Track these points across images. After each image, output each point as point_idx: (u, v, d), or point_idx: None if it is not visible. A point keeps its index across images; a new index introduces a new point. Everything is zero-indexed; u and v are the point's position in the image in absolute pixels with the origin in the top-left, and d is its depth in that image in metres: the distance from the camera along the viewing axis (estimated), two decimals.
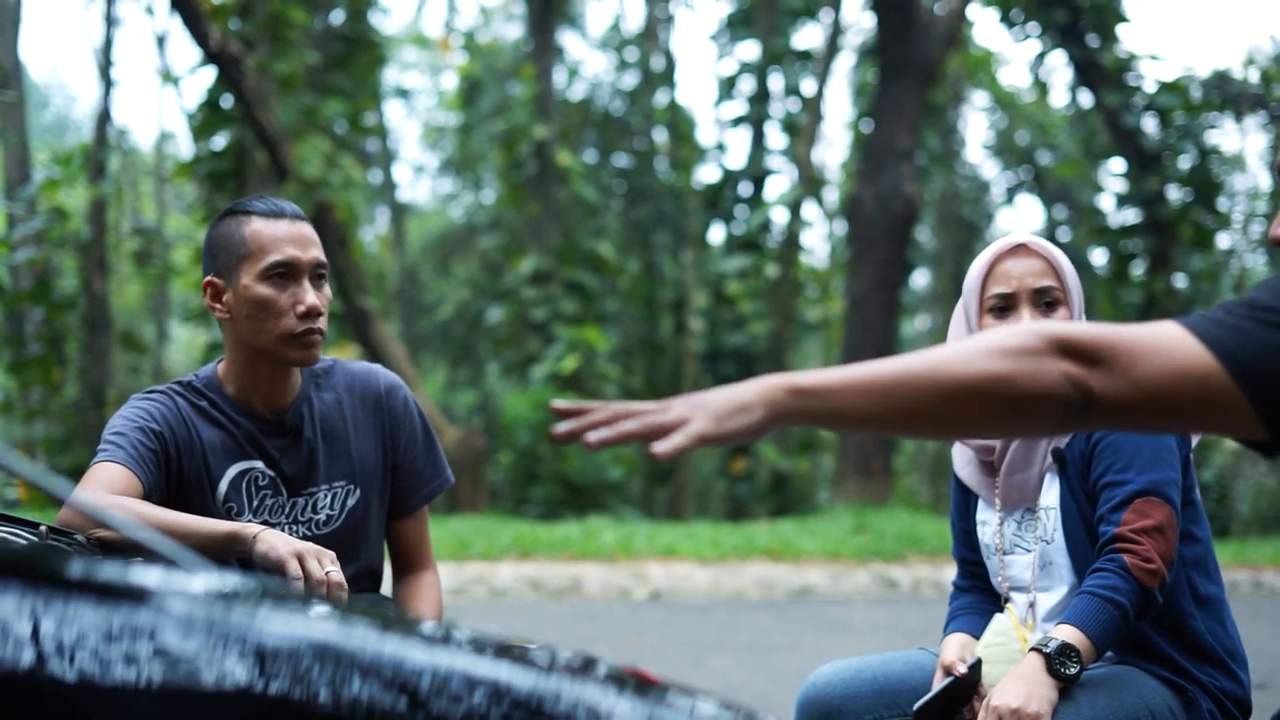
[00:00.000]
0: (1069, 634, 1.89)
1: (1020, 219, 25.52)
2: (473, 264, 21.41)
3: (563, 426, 1.18)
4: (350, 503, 2.19)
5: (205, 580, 0.80)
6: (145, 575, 0.79)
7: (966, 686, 2.01)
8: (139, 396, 2.12)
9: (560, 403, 1.19)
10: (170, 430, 2.07)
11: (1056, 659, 1.87)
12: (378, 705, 0.77)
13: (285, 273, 2.05)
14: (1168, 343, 1.14)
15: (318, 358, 2.10)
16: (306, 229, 2.09)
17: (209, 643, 0.76)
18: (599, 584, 7.81)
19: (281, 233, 2.06)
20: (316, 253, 2.08)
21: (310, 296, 2.05)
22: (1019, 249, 2.08)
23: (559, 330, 15.68)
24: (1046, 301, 2.05)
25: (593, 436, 1.16)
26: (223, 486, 2.10)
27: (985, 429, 1.26)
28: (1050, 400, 1.15)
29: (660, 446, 1.15)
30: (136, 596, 0.76)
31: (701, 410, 1.18)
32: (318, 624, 0.79)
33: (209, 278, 2.10)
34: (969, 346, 1.19)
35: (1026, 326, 1.18)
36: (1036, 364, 1.15)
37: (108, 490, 1.90)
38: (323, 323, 2.07)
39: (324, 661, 0.78)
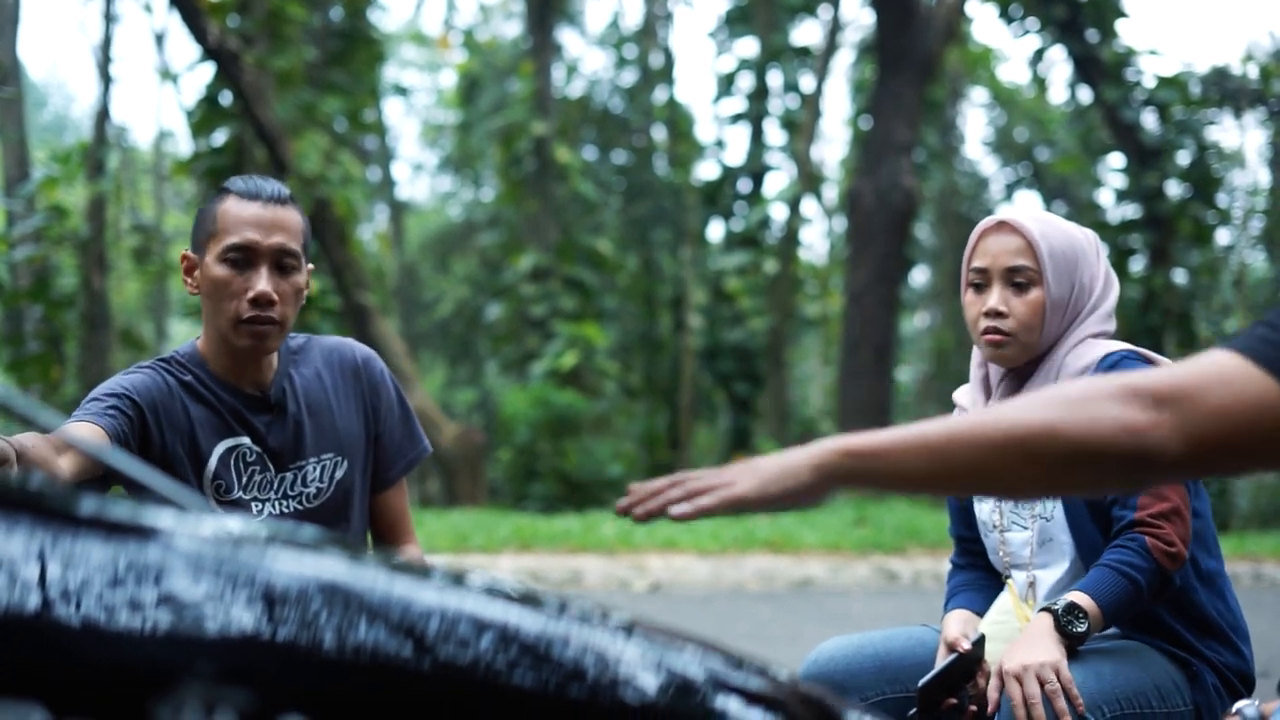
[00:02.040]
0: (1078, 597, 1.90)
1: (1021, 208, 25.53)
2: (472, 261, 21.42)
3: (640, 509, 1.20)
4: (339, 474, 2.19)
5: (212, 521, 0.80)
6: (153, 515, 0.79)
7: (970, 663, 2.01)
8: (123, 372, 2.11)
9: (626, 502, 1.21)
10: (152, 402, 2.04)
11: (1064, 617, 1.87)
12: (384, 648, 0.77)
13: (242, 256, 2.00)
14: (1226, 373, 1.05)
15: (270, 348, 2.06)
16: (281, 213, 2.03)
17: (217, 583, 0.76)
18: (599, 576, 7.82)
19: (248, 215, 2.01)
20: (282, 239, 2.02)
21: (261, 283, 1.99)
22: (1001, 226, 2.09)
23: (558, 327, 15.68)
24: (1017, 281, 2.05)
25: (675, 510, 1.18)
26: (212, 463, 2.09)
27: (1043, 486, 1.19)
28: (1107, 450, 1.07)
29: (680, 509, 1.17)
30: (144, 535, 0.76)
31: (749, 474, 1.19)
32: (327, 565, 0.79)
33: (185, 251, 2.10)
34: (1028, 399, 1.14)
35: (1087, 379, 1.13)
36: (1088, 409, 1.08)
37: (59, 436, 1.85)
38: (279, 311, 2.02)
39: (332, 603, 0.77)
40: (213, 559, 0.76)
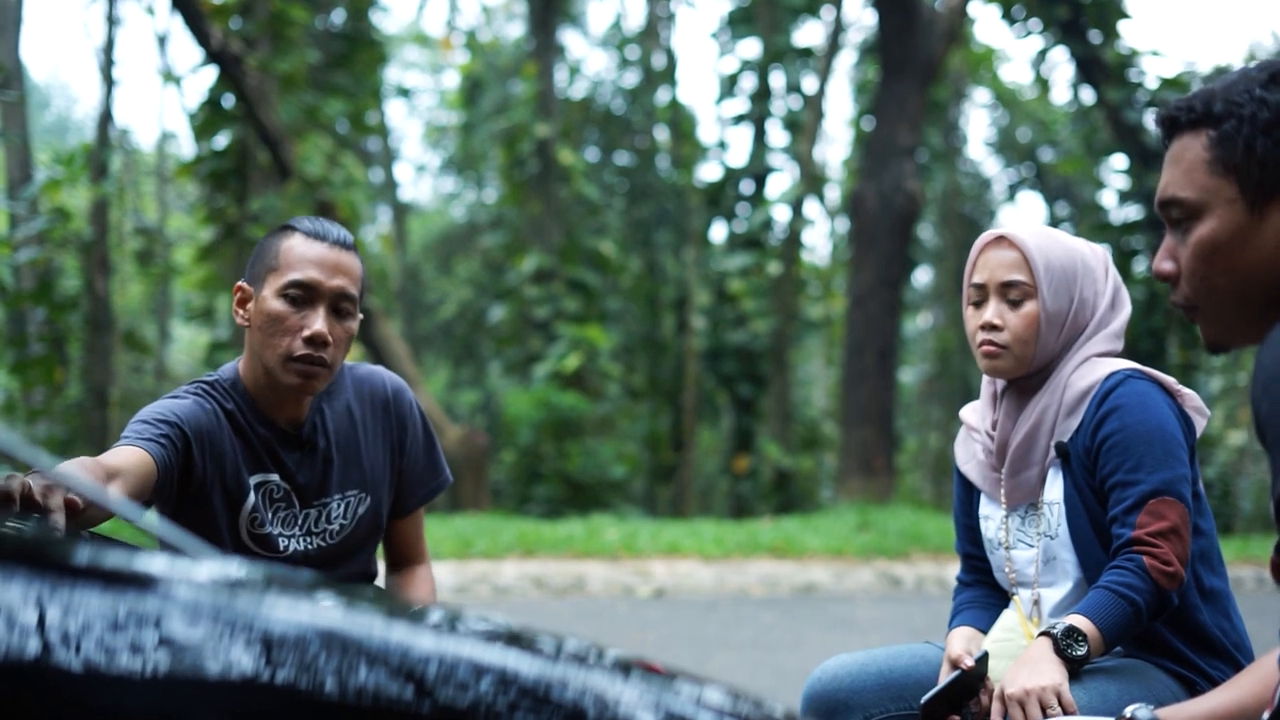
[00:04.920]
0: (1077, 620, 1.89)
1: (1022, 216, 25.57)
2: (475, 263, 21.43)
3: None
4: (361, 510, 2.19)
5: (212, 567, 0.80)
6: (152, 562, 0.79)
7: (973, 680, 2.01)
8: (171, 395, 2.08)
9: None
10: (200, 433, 2.01)
11: (1063, 640, 1.87)
12: (384, 693, 0.77)
13: (303, 294, 2.00)
14: None
15: (315, 389, 2.04)
16: (345, 257, 2.04)
17: (215, 630, 0.76)
18: (602, 582, 7.81)
19: (313, 254, 2.02)
20: (343, 282, 2.02)
21: (318, 323, 1.99)
22: (999, 240, 2.09)
23: (561, 329, 15.69)
24: (1012, 295, 2.06)
25: None
26: (251, 497, 2.08)
27: None
28: None
29: None
30: (143, 583, 0.77)
31: None
32: (325, 611, 0.79)
33: (240, 282, 2.09)
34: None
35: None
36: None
37: (110, 465, 1.78)
38: (330, 354, 2.01)
39: (331, 649, 0.78)
40: (211, 606, 0.76)
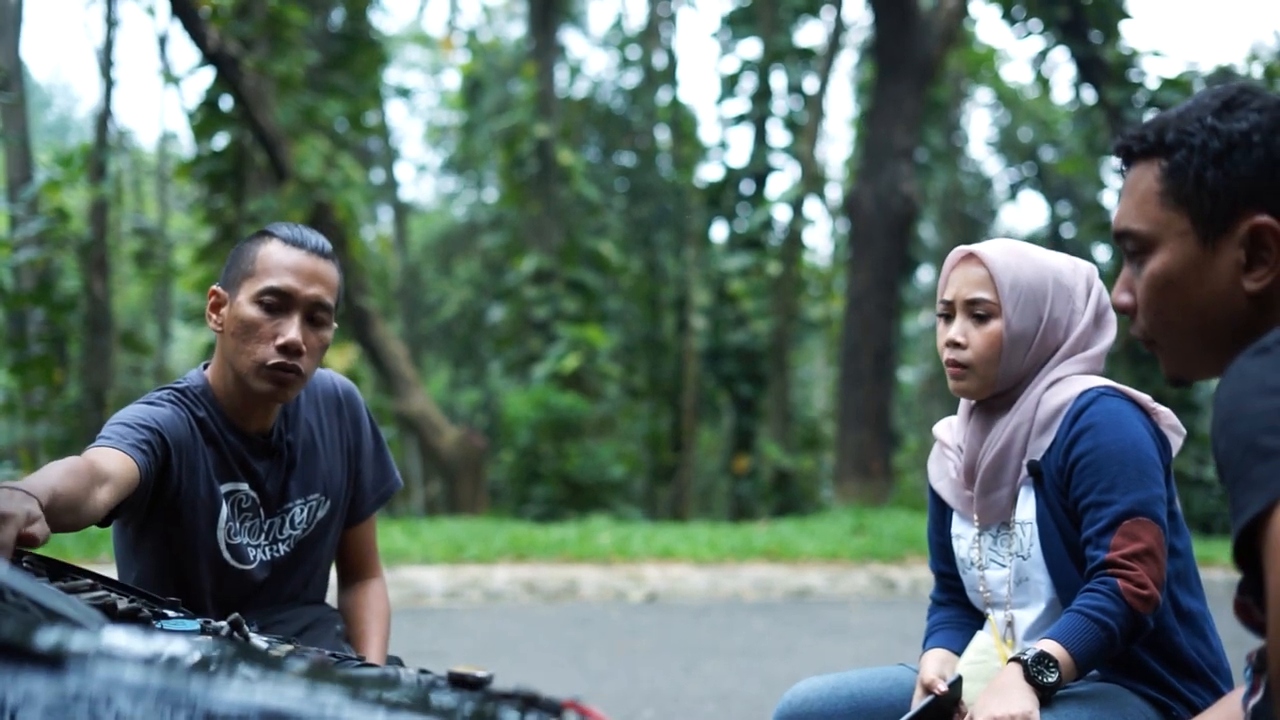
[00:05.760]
0: (1049, 646, 1.87)
1: (1023, 215, 25.53)
2: (475, 263, 21.42)
3: None
4: (320, 514, 2.18)
5: (161, 646, 0.80)
6: (103, 641, 0.79)
7: (947, 704, 1.99)
8: (147, 401, 2.03)
9: None
10: (178, 444, 1.98)
11: (1034, 666, 1.85)
12: None
13: (278, 302, 1.98)
14: None
15: (287, 397, 2.02)
16: (322, 265, 2.02)
17: (158, 709, 0.76)
18: (595, 586, 7.79)
19: (290, 261, 2.00)
20: (319, 291, 2.00)
21: (292, 331, 1.97)
22: (969, 258, 2.07)
23: (560, 329, 15.69)
24: (978, 313, 2.04)
25: None
26: (224, 508, 2.06)
27: None
28: None
29: None
30: (90, 664, 0.77)
31: None
32: (267, 690, 0.79)
33: (214, 286, 2.07)
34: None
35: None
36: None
37: (101, 469, 1.73)
38: (305, 363, 1.99)
39: None
40: (157, 687, 0.77)
